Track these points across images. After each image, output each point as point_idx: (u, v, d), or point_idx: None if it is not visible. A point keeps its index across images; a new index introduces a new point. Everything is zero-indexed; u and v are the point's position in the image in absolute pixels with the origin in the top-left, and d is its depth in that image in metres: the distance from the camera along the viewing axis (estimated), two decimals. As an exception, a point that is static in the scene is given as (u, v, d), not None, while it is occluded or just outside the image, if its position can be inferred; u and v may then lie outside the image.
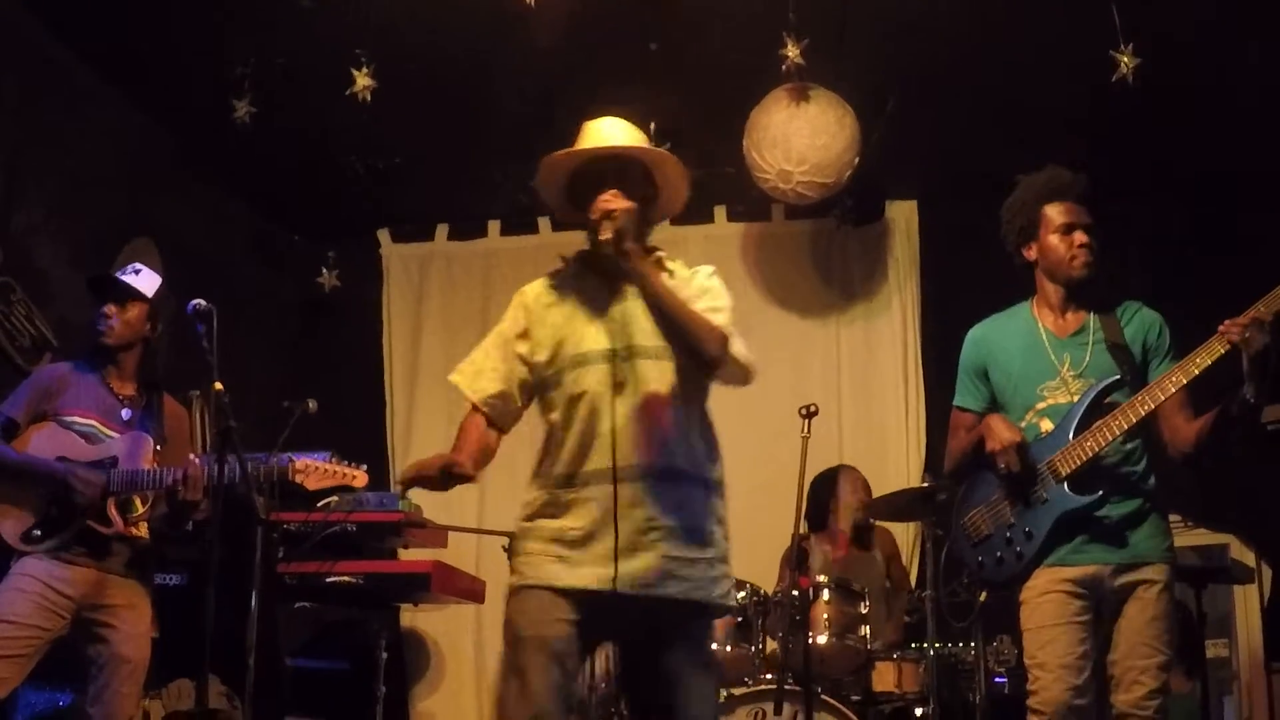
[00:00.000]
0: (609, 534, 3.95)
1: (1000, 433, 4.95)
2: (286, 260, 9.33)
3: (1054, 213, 5.05)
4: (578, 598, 3.94)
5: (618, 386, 4.05)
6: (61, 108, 7.03)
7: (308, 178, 8.48)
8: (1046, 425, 4.96)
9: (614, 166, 4.14)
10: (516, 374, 4.25)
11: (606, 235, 3.96)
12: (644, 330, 4.09)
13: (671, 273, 4.21)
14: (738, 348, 4.14)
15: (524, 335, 4.24)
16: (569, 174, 4.24)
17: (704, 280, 4.22)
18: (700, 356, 4.07)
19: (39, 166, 6.84)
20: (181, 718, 4.53)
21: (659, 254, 4.23)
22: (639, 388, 4.05)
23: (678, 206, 4.41)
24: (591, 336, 4.14)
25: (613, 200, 4.01)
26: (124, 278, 5.64)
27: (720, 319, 4.12)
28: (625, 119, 4.34)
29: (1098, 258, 5.01)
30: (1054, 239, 5.03)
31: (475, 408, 4.32)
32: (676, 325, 4.04)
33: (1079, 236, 5.00)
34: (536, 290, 4.31)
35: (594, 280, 4.23)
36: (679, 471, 4.04)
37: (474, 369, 4.33)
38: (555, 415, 4.16)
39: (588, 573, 3.94)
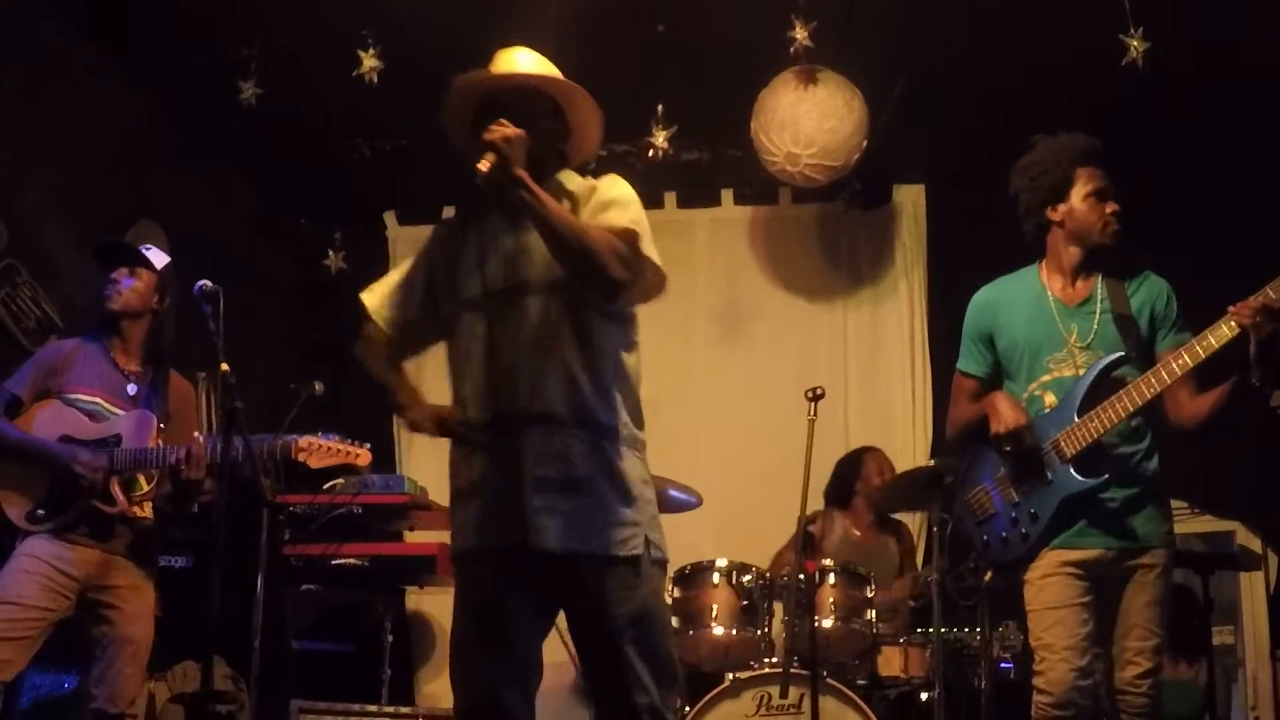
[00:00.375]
0: (490, 488, 3.84)
1: (1005, 414, 4.93)
2: (292, 243, 9.32)
3: (1087, 176, 5.02)
4: (492, 558, 3.84)
5: (500, 327, 3.89)
6: (66, 90, 7.02)
7: (313, 160, 8.45)
8: (1050, 399, 4.96)
9: (517, 97, 3.95)
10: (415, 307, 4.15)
11: (484, 166, 3.69)
12: (536, 264, 3.90)
13: (571, 194, 4.02)
14: (649, 248, 3.89)
15: (427, 262, 4.16)
16: (476, 105, 4.02)
17: (605, 194, 3.99)
18: (598, 278, 3.80)
19: (43, 149, 6.83)
20: (187, 699, 4.52)
21: (558, 182, 4.02)
22: (522, 328, 3.87)
23: (592, 147, 4.22)
24: (479, 275, 3.98)
25: (495, 129, 3.73)
26: None
27: (620, 220, 3.88)
28: (526, 47, 4.16)
29: (1124, 228, 5.00)
30: (1085, 204, 5.00)
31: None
32: (569, 249, 3.76)
33: (1111, 205, 4.99)
34: (449, 222, 4.25)
35: (497, 214, 4.02)
36: (556, 417, 3.82)
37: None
38: (450, 354, 4.05)
39: (487, 530, 3.84)
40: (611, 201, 3.94)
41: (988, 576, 5.87)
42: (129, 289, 5.59)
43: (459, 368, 3.98)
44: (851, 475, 7.45)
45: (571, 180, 4.09)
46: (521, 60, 4.09)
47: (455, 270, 4.04)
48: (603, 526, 3.82)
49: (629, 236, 3.84)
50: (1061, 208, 5.04)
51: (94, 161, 7.19)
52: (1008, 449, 4.92)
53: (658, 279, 3.95)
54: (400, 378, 4.14)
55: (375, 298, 4.21)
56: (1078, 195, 5.01)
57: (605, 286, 3.82)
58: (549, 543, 3.75)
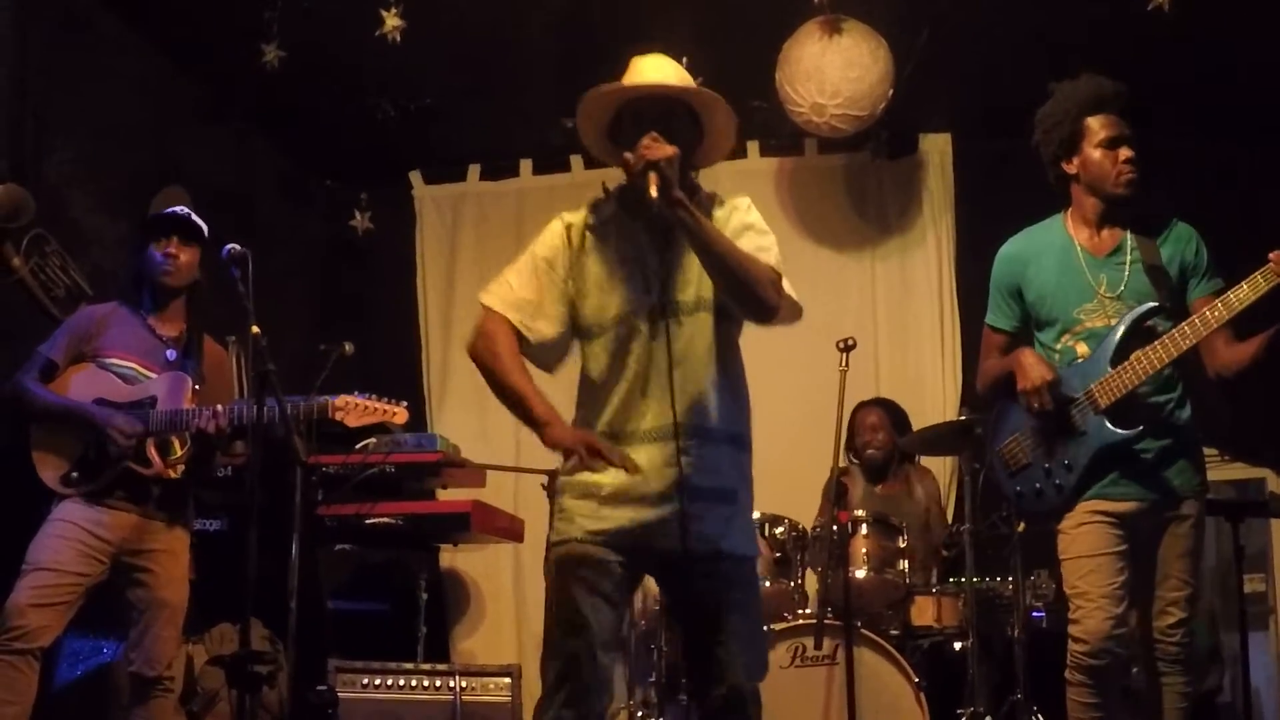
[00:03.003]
0: (642, 491, 3.92)
1: (1031, 371, 4.89)
2: (318, 204, 9.34)
3: (1097, 125, 4.95)
4: (614, 541, 3.93)
5: (656, 344, 3.97)
6: (88, 58, 7.02)
7: (338, 121, 8.45)
8: (1083, 350, 4.92)
9: (659, 107, 3.99)
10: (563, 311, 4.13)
11: (653, 192, 3.77)
12: (684, 283, 4.00)
13: (716, 207, 4.10)
14: (787, 285, 4.06)
15: (560, 268, 4.13)
16: (612, 111, 4.09)
17: (744, 216, 4.08)
18: (755, 304, 3.95)
19: (68, 118, 6.83)
20: (225, 661, 4.56)
21: (700, 195, 4.08)
22: (677, 345, 3.96)
23: (723, 153, 4.25)
24: (630, 290, 4.03)
25: (654, 147, 3.81)
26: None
27: (770, 258, 4.00)
28: (663, 55, 4.18)
29: (1142, 174, 4.93)
30: (1097, 154, 4.94)
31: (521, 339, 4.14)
32: (730, 275, 3.89)
33: (1124, 152, 4.91)
34: (578, 226, 4.15)
35: (634, 225, 4.09)
36: (711, 431, 3.98)
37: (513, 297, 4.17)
38: (591, 367, 4.09)
39: (621, 516, 3.93)
40: (751, 225, 4.06)
41: (1021, 527, 5.88)
42: (185, 262, 5.61)
43: (606, 381, 4.04)
44: (850, 433, 7.43)
45: (708, 194, 4.15)
46: (661, 69, 4.11)
47: (599, 284, 4.08)
48: (741, 529, 4.07)
49: (776, 275, 3.99)
50: (1076, 160, 4.99)
51: (118, 128, 7.20)
52: (1035, 405, 4.90)
53: (795, 312, 4.17)
54: (535, 388, 4.07)
55: (501, 301, 4.18)
56: (1089, 145, 4.95)
57: (761, 311, 3.98)
58: (703, 547, 3.93)
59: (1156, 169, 5.04)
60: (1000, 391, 5.16)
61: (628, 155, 3.89)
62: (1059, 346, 4.98)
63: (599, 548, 3.93)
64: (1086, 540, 4.85)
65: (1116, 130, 4.94)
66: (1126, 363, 4.76)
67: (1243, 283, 4.60)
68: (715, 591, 3.95)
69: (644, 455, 3.93)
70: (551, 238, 4.17)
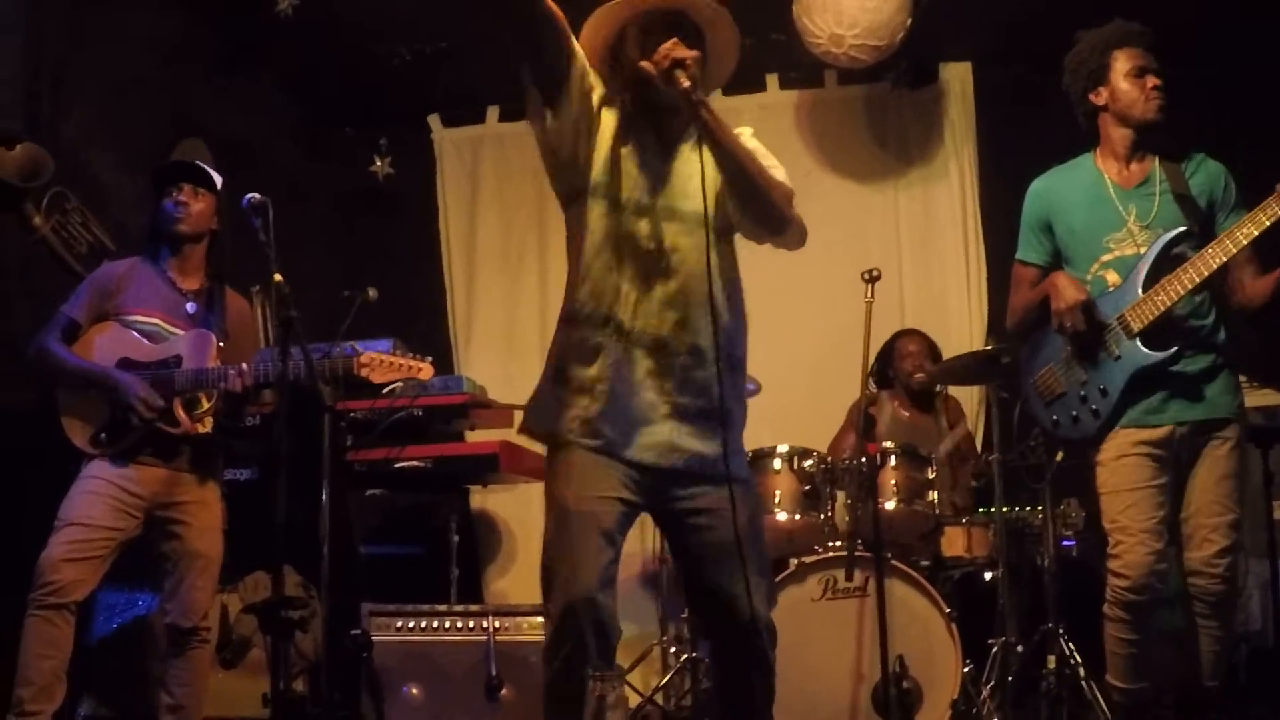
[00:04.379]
0: (626, 401, 3.89)
1: (1065, 292, 4.92)
2: (338, 151, 9.33)
3: (1124, 56, 5.01)
4: (620, 466, 3.90)
5: (657, 247, 3.94)
6: (102, 16, 6.99)
7: (354, 67, 8.43)
8: (1113, 278, 4.96)
9: (666, 21, 3.94)
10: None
11: (685, 83, 3.76)
12: (687, 195, 3.97)
13: None
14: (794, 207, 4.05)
15: (595, 92, 4.02)
16: (616, 29, 4.03)
17: (749, 141, 4.06)
18: (770, 212, 3.96)
19: (83, 75, 6.83)
20: (259, 608, 4.59)
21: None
22: (678, 254, 3.94)
23: (725, 76, 4.21)
24: (639, 184, 3.99)
25: (678, 48, 3.81)
26: None
27: (781, 175, 4.02)
28: None
29: (1169, 103, 4.96)
30: (1126, 83, 5.00)
31: None
32: (747, 178, 3.90)
33: (1151, 79, 4.97)
34: (609, 102, 4.06)
35: (645, 131, 4.05)
36: (704, 349, 3.92)
37: None
38: (585, 243, 3.99)
39: (613, 435, 3.88)
40: (757, 149, 4.04)
41: (1059, 456, 5.88)
42: (197, 210, 5.61)
43: (601, 264, 3.96)
44: (885, 361, 7.45)
45: None
46: None
47: (610, 151, 4.01)
48: (735, 453, 4.01)
49: (789, 190, 4.01)
50: (1104, 91, 5.04)
51: (134, 83, 7.20)
52: (1069, 326, 4.90)
53: (803, 234, 4.13)
54: None
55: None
56: (1117, 75, 5.01)
57: (776, 221, 4.00)
58: (691, 467, 3.92)
59: (1185, 109, 5.04)
60: (1033, 324, 5.17)
61: (646, 64, 3.87)
62: (1089, 276, 5.02)
63: (597, 471, 3.90)
64: (1126, 473, 4.87)
65: (1143, 60, 5.00)
66: (1157, 285, 4.78)
67: (1269, 200, 4.63)
68: (718, 520, 3.90)
69: (637, 363, 3.91)
70: (597, 78, 4.06)
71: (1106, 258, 4.98)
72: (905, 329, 7.62)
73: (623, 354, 3.90)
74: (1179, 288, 4.74)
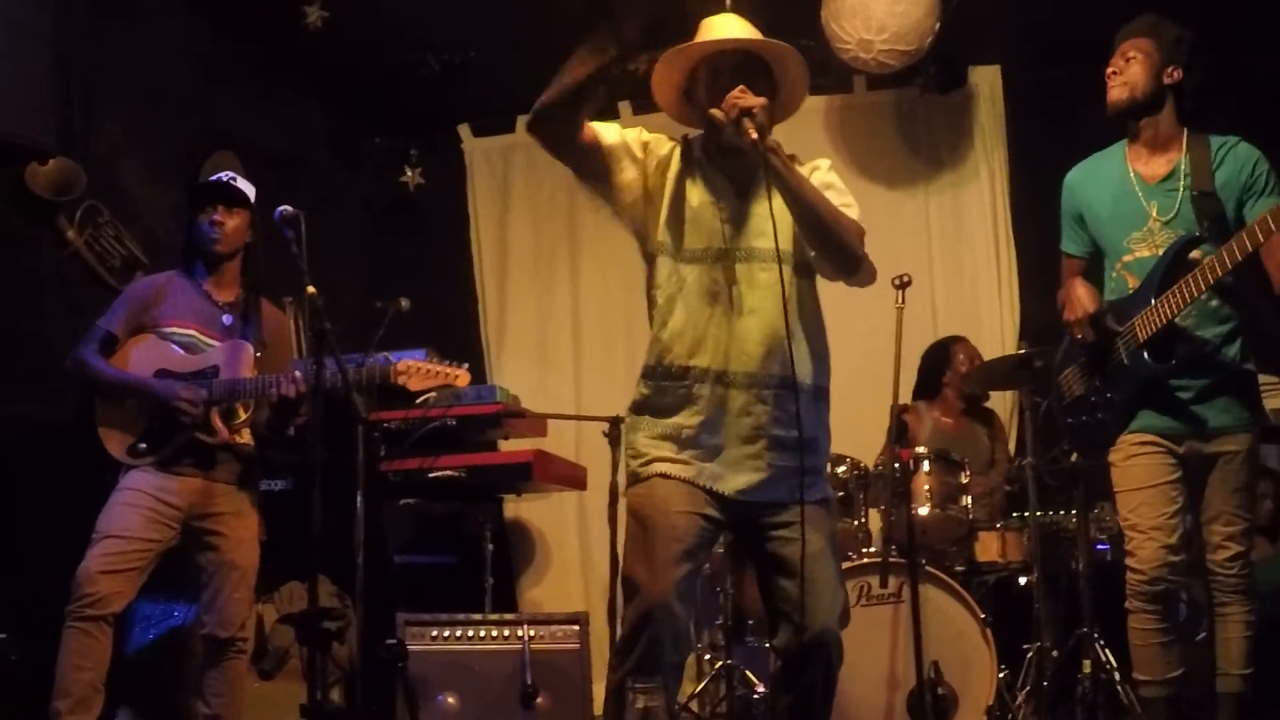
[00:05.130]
0: (717, 439, 4.02)
1: (1076, 304, 4.96)
2: (368, 161, 9.37)
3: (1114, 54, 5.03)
4: (703, 493, 4.01)
5: (736, 289, 4.05)
6: (131, 28, 7.05)
7: (384, 78, 8.45)
8: (1132, 280, 4.97)
9: (734, 62, 4.05)
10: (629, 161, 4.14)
11: (752, 134, 3.84)
12: (763, 233, 4.03)
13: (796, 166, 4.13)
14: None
15: (651, 161, 4.16)
16: (687, 71, 4.15)
17: (824, 176, 4.15)
18: (842, 253, 4.03)
19: (115, 88, 6.86)
20: (296, 619, 4.60)
21: (784, 151, 4.09)
22: (756, 293, 4.04)
23: (797, 105, 4.29)
24: (714, 230, 4.09)
25: (745, 96, 3.90)
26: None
27: (854, 214, 4.08)
28: (732, 13, 4.24)
29: (1141, 74, 4.94)
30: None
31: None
32: (818, 222, 3.98)
33: (1111, 65, 5.01)
34: (671, 152, 4.20)
35: (718, 175, 4.15)
36: (795, 381, 4.00)
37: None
38: (663, 295, 4.13)
39: (700, 469, 4.01)
40: (831, 185, 4.13)
41: (1074, 457, 5.89)
42: (231, 228, 5.64)
43: (686, 315, 4.09)
44: (940, 365, 7.42)
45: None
46: (733, 26, 4.16)
47: (678, 212, 4.13)
48: (820, 480, 4.18)
49: (861, 230, 4.10)
50: None
51: (165, 96, 7.23)
52: (1078, 337, 4.93)
53: (873, 274, 4.22)
54: None
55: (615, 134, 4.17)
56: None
57: (848, 261, 4.06)
58: (782, 496, 4.03)
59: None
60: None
61: (715, 111, 3.96)
62: (1114, 275, 5.04)
63: (681, 491, 4.01)
64: (1136, 473, 4.91)
65: (1116, 49, 5.03)
66: (1163, 296, 4.76)
67: (1252, 227, 4.58)
68: (795, 540, 3.98)
69: (722, 401, 4.03)
70: (659, 137, 4.22)
71: (1127, 258, 4.99)
72: (957, 335, 7.61)
73: (710, 396, 4.04)
74: (1185, 296, 4.70)
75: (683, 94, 4.22)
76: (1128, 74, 4.96)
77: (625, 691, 3.81)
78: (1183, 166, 4.94)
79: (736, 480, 4.03)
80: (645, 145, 4.17)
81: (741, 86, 3.93)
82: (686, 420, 4.04)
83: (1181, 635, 5.04)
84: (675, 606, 3.86)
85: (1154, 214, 4.92)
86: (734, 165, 4.12)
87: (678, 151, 4.20)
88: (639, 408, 4.17)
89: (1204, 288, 4.67)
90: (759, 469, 4.03)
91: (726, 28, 4.15)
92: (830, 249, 4.03)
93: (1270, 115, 7.31)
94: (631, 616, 3.90)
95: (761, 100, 3.91)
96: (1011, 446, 7.66)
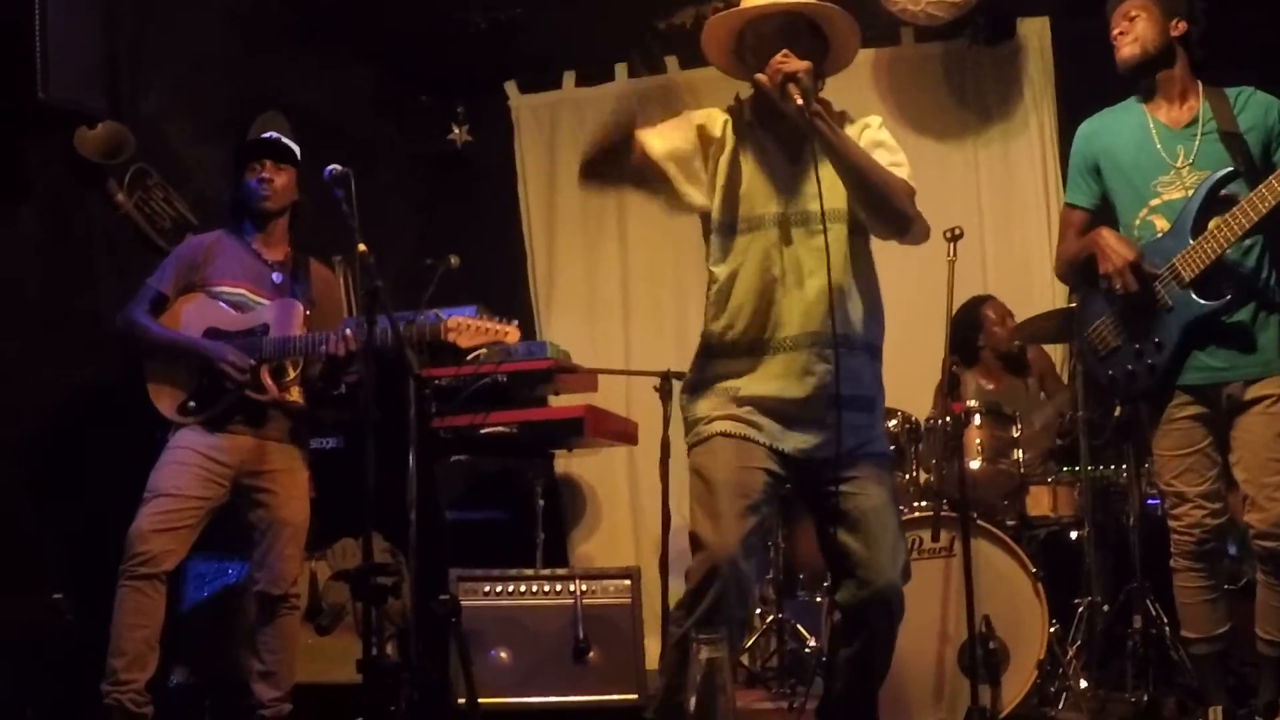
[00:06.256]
0: (777, 398, 4.04)
1: (1113, 253, 4.87)
2: (415, 120, 9.36)
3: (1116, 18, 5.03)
4: (765, 449, 4.03)
5: (791, 252, 4.06)
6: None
7: (430, 36, 8.46)
8: (1161, 223, 4.91)
9: (780, 24, 4.05)
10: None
11: (797, 100, 3.84)
12: (817, 194, 4.01)
13: (846, 124, 4.14)
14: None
15: (710, 144, 4.18)
16: (734, 35, 4.16)
17: (875, 134, 4.15)
18: (891, 214, 4.03)
19: (161, 51, 6.88)
20: (350, 575, 4.64)
21: (832, 111, 4.11)
22: (812, 254, 4.03)
23: (848, 61, 4.28)
24: (767, 198, 4.11)
25: (788, 61, 3.89)
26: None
27: (904, 173, 4.08)
28: None
29: (1149, 29, 4.93)
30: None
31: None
32: (866, 185, 3.99)
33: (1113, 23, 5.01)
34: (724, 130, 4.20)
35: (769, 138, 4.16)
36: (851, 340, 4.08)
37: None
38: (723, 270, 4.15)
39: (762, 426, 4.04)
40: (881, 143, 4.13)
41: (1117, 411, 5.87)
42: (280, 185, 5.66)
43: (746, 284, 4.11)
44: (972, 329, 7.36)
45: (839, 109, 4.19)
46: None
47: (734, 183, 4.14)
48: (877, 436, 4.22)
49: (910, 189, 4.09)
50: None
51: (211, 58, 7.25)
52: (1120, 287, 4.86)
53: (926, 231, 4.22)
54: None
55: (661, 146, 4.17)
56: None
57: (896, 222, 4.07)
58: (850, 453, 4.05)
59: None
60: (1080, 276, 5.14)
61: (760, 76, 3.96)
62: (1138, 222, 4.98)
63: (744, 448, 4.03)
64: (1177, 438, 4.89)
65: (1112, 15, 5.05)
66: (1207, 232, 4.72)
67: None
68: (859, 494, 4.04)
69: (783, 363, 4.05)
70: (710, 116, 4.23)
71: (1155, 202, 4.94)
72: (982, 295, 7.54)
73: (773, 360, 4.08)
74: (1229, 234, 4.67)
75: (732, 54, 4.22)
76: (1135, 30, 4.94)
77: (689, 643, 3.83)
78: (1204, 113, 4.92)
79: (797, 438, 4.05)
80: (699, 135, 4.18)
81: (785, 51, 3.91)
82: (747, 384, 4.07)
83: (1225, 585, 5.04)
84: (741, 562, 3.88)
85: (1178, 160, 4.89)
86: (785, 129, 4.11)
87: (729, 126, 4.21)
88: (698, 385, 4.21)
89: (1254, 219, 4.63)
90: (819, 427, 4.04)
91: None
92: (879, 211, 4.04)
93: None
94: (697, 571, 3.92)
95: (805, 64, 3.89)
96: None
